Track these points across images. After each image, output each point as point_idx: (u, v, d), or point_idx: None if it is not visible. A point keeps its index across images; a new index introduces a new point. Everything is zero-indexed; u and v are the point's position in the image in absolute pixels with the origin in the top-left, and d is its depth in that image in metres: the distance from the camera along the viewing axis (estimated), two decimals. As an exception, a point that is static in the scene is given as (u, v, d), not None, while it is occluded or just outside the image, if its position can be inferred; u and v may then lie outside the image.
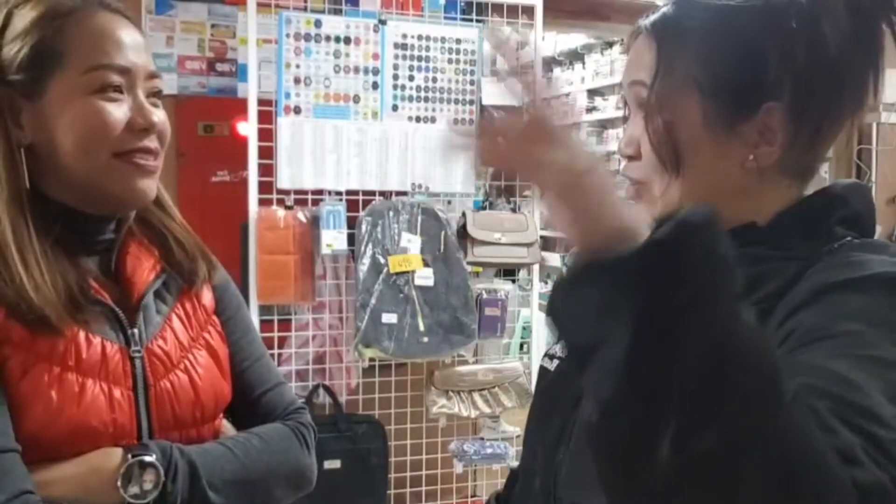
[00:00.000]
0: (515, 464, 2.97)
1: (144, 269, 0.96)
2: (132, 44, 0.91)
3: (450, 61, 2.72)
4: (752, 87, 0.72)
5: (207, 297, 1.03)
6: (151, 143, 0.92)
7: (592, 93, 6.77)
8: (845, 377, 0.59)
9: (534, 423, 0.94)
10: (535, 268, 2.84)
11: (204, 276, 1.02)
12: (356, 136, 2.62)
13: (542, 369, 0.95)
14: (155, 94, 0.94)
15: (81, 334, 0.87)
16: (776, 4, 0.72)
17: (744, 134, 0.73)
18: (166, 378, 0.93)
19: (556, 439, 0.84)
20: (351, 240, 2.56)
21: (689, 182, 0.75)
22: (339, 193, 2.61)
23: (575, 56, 6.97)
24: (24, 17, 0.88)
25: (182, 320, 0.98)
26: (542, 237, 2.89)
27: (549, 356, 0.94)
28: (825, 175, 3.87)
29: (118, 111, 0.89)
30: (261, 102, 2.51)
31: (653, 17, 0.79)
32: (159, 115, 0.92)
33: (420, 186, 2.68)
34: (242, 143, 2.55)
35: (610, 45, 6.33)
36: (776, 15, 0.72)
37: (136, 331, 0.92)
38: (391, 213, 2.58)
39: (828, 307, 0.66)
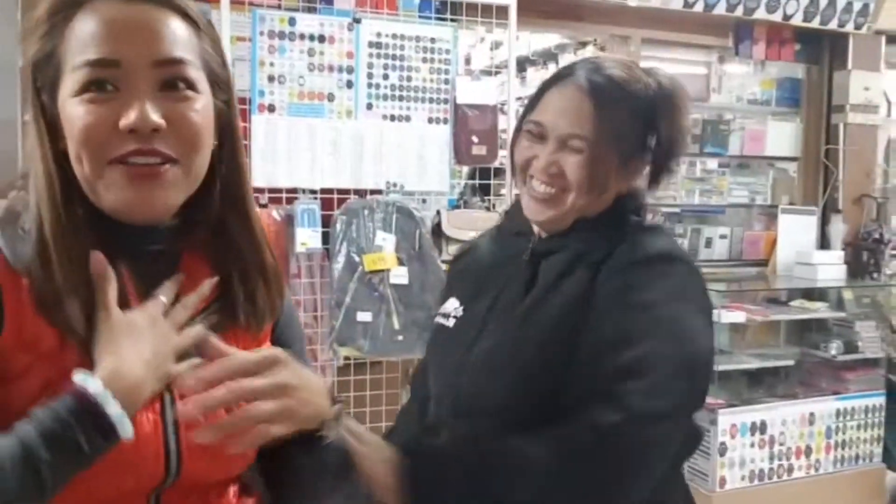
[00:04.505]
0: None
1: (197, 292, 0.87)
2: (138, 30, 0.80)
3: (424, 60, 2.73)
4: (637, 146, 1.17)
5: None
6: (146, 144, 0.79)
7: (566, 92, 6.80)
8: (626, 338, 1.04)
9: (435, 360, 1.27)
10: (510, 266, 2.85)
11: (258, 326, 0.91)
12: (330, 134, 2.62)
13: (440, 326, 1.26)
14: (171, 84, 0.81)
15: None
16: (655, 98, 1.16)
17: (626, 173, 1.18)
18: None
19: (455, 371, 1.18)
20: (325, 238, 2.56)
21: (590, 198, 1.16)
22: (313, 192, 2.60)
23: (549, 56, 6.99)
24: (36, 14, 0.81)
25: (226, 342, 0.87)
26: (516, 236, 2.90)
27: (443, 315, 1.25)
28: (794, 175, 3.93)
29: (99, 113, 0.78)
30: (234, 100, 2.50)
31: (588, 80, 1.15)
32: (159, 111, 0.79)
33: (395, 185, 2.69)
34: (216, 141, 2.54)
35: (584, 44, 6.36)
36: (657, 104, 1.16)
37: None
38: (366, 212, 2.58)
39: (625, 278, 1.10)
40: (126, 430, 0.75)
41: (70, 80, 0.79)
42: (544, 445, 1.00)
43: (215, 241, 0.89)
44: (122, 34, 0.79)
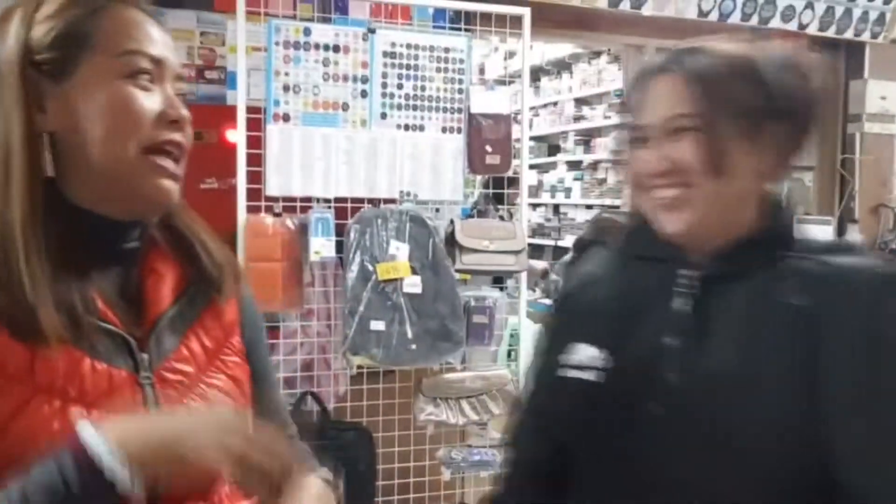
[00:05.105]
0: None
1: (166, 286, 0.90)
2: (164, 41, 0.89)
3: (438, 70, 2.73)
4: (761, 112, 0.98)
5: (230, 313, 0.97)
6: (179, 137, 0.87)
7: (580, 102, 6.80)
8: None
9: (585, 423, 1.05)
10: (523, 275, 2.86)
11: (231, 288, 0.96)
12: (344, 143, 2.63)
13: (582, 382, 1.03)
14: (181, 96, 0.90)
15: (86, 362, 0.80)
16: (771, 59, 1.00)
17: (756, 147, 0.99)
18: (180, 404, 0.86)
19: (624, 439, 0.99)
20: (339, 247, 2.57)
21: (724, 184, 0.97)
22: (327, 201, 2.61)
23: (562, 65, 7.00)
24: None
25: (200, 340, 0.91)
26: (529, 245, 2.90)
27: (577, 367, 1.04)
28: (809, 184, 3.91)
29: (149, 100, 0.85)
30: (250, 110, 2.52)
31: (674, 62, 1.01)
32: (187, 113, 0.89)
33: (409, 194, 2.69)
34: (231, 150, 2.56)
35: (597, 54, 6.37)
36: (774, 65, 0.99)
37: (145, 356, 0.85)
38: (379, 221, 2.58)
39: (861, 318, 0.91)
40: (124, 484, 0.71)
41: (112, 63, 0.84)
42: None
43: (167, 231, 0.95)
44: (159, 39, 0.88)
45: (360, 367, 2.62)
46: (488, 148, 2.76)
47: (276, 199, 2.55)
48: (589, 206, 6.71)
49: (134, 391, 0.83)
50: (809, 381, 0.90)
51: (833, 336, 0.90)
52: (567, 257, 5.75)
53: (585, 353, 1.05)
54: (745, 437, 0.92)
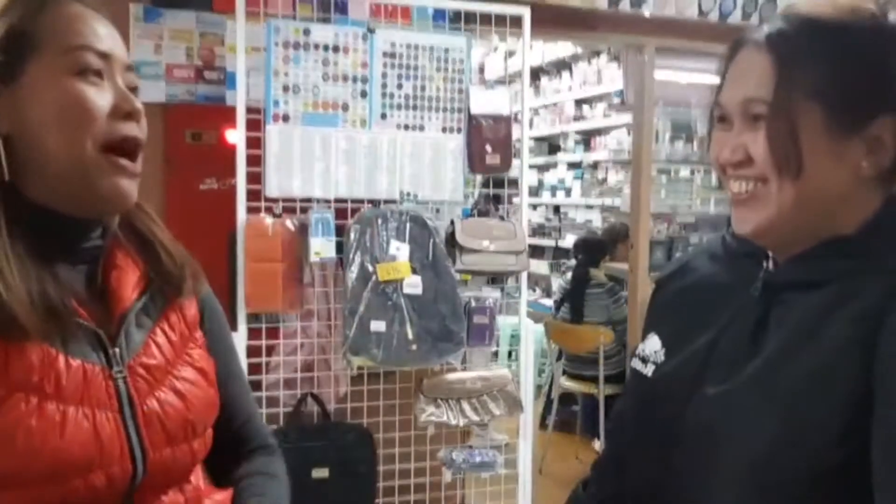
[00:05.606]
0: (504, 471, 2.98)
1: (130, 282, 0.92)
2: (109, 34, 0.88)
3: (438, 70, 2.73)
4: (869, 101, 0.81)
5: (192, 309, 1.00)
6: (135, 131, 0.87)
7: (580, 101, 6.80)
8: None
9: (633, 416, 0.99)
10: (523, 275, 2.85)
11: (191, 285, 0.99)
12: (344, 144, 2.63)
13: (636, 372, 0.98)
14: (132, 89, 0.89)
15: (61, 358, 0.82)
16: (890, 27, 0.82)
17: (858, 144, 0.82)
18: (152, 396, 0.89)
19: (662, 438, 0.90)
20: (339, 248, 2.56)
21: (804, 184, 0.82)
22: (327, 201, 2.61)
23: (562, 65, 7.00)
24: None
25: (166, 335, 0.94)
26: (529, 245, 2.89)
27: (641, 359, 0.98)
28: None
29: (100, 96, 0.84)
30: (249, 110, 2.51)
31: (765, 33, 0.85)
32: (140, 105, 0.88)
33: (409, 194, 2.69)
34: (230, 150, 2.55)
35: (597, 54, 6.37)
36: (885, 37, 0.82)
37: (117, 350, 0.87)
38: (380, 221, 2.58)
39: None
40: None
41: (60, 61, 0.83)
42: None
43: (130, 234, 0.96)
44: (105, 34, 0.87)
45: (360, 367, 2.62)
46: (488, 148, 2.75)
47: (275, 200, 2.54)
48: (589, 206, 6.70)
49: (107, 385, 0.85)
50: (853, 414, 0.75)
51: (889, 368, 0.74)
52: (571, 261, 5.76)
53: (650, 345, 0.97)
54: (767, 470, 0.79)
